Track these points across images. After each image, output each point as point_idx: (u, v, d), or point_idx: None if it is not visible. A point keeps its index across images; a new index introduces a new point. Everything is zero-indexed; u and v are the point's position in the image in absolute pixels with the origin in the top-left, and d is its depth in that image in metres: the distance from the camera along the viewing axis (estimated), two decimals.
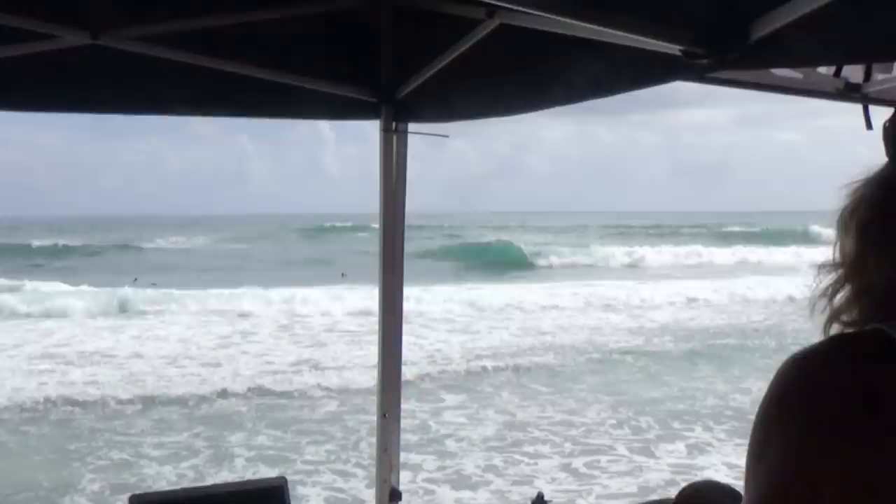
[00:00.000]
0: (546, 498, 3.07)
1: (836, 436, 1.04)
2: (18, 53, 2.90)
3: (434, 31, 3.14)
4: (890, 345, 1.07)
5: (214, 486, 3.20)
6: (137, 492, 2.68)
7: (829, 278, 1.22)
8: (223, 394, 14.39)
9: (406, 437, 7.39)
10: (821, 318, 1.19)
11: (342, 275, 37.63)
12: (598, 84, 2.59)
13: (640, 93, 2.57)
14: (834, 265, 1.22)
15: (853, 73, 2.99)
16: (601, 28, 2.20)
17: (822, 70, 3.00)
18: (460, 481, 10.30)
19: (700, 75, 2.52)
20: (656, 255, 43.36)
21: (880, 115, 2.95)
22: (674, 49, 2.12)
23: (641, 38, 2.16)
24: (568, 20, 2.25)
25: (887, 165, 1.21)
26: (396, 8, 3.35)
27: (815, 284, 1.22)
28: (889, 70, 2.96)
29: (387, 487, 3.77)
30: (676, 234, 56.44)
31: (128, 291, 25.61)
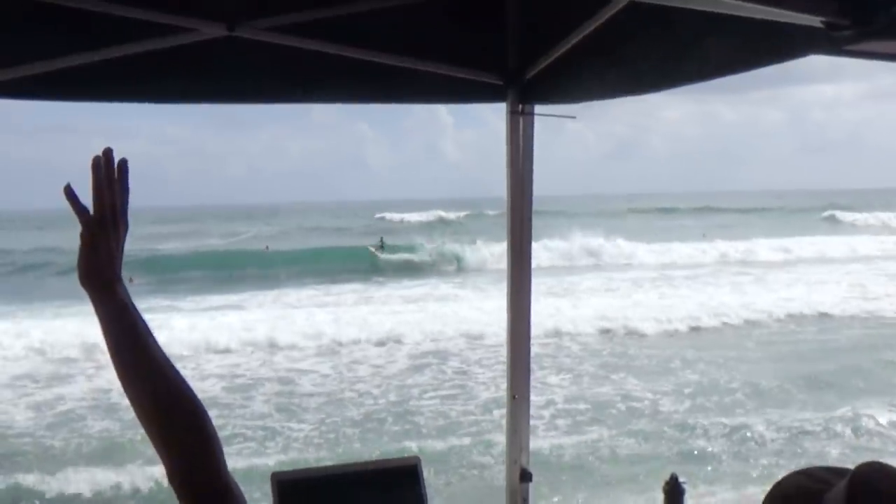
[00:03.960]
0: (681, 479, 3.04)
1: None
2: (159, 48, 3.00)
3: (561, 11, 3.11)
4: None
5: (351, 464, 3.27)
6: (279, 469, 2.76)
7: None
8: None
9: None
10: None
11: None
12: (732, 60, 2.50)
13: (761, 69, 2.48)
14: None
15: None
16: (736, 1, 2.13)
17: None
18: None
19: (841, 48, 2.42)
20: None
21: None
22: (814, 20, 2.04)
23: (780, 11, 2.09)
24: None
25: None
26: None
27: None
28: None
29: (517, 469, 3.78)
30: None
31: None
